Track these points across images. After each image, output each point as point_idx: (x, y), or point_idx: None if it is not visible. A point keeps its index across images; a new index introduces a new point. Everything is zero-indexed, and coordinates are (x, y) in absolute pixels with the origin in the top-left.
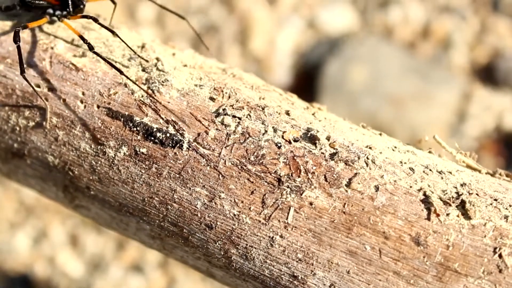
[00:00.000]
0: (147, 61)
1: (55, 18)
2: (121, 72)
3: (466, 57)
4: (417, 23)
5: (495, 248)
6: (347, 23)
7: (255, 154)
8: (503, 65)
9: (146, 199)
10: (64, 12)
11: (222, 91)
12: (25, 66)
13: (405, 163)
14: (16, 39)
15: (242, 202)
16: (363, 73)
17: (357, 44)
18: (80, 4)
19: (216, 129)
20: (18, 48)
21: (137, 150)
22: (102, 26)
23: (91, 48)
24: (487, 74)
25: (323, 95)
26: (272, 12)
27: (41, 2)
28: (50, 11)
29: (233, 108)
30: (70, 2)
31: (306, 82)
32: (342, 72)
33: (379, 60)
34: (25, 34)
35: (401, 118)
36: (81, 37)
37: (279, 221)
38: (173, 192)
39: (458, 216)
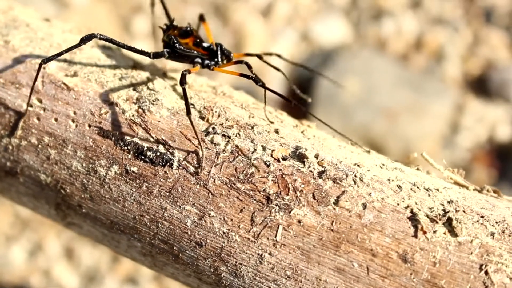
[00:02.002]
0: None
1: (205, 67)
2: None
3: (459, 69)
4: (410, 35)
5: (481, 265)
6: (341, 35)
7: (244, 172)
8: (495, 76)
9: (137, 217)
10: (213, 62)
11: (212, 110)
12: (17, 85)
13: (392, 180)
14: (183, 81)
15: (232, 220)
16: (356, 85)
17: (350, 56)
18: (228, 55)
19: (206, 147)
20: (184, 90)
21: (128, 168)
22: (254, 77)
23: (257, 81)
24: (480, 85)
25: (316, 107)
26: (266, 25)
27: (192, 51)
28: (199, 60)
29: (222, 127)
30: (219, 54)
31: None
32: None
33: (372, 73)
34: (17, 54)
35: (394, 130)
36: (243, 75)
37: (268, 238)
38: (163, 210)
39: (445, 233)
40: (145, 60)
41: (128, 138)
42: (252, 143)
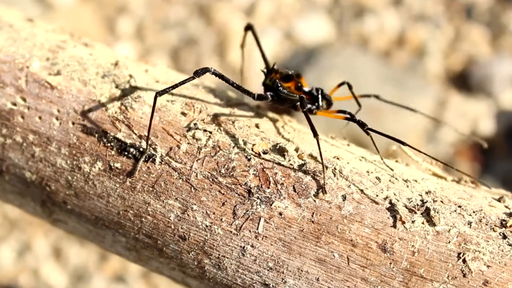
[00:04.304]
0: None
1: (306, 111)
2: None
3: (441, 65)
4: (392, 32)
5: (459, 254)
6: (324, 33)
7: (226, 166)
8: (477, 72)
9: (121, 212)
10: (314, 106)
11: (194, 106)
12: (1, 84)
13: (371, 172)
14: (304, 105)
15: (214, 213)
16: (339, 82)
17: (333, 54)
18: (329, 99)
19: (188, 143)
20: (306, 113)
21: (112, 165)
22: (360, 121)
23: (363, 125)
24: (462, 81)
25: None
26: None
27: (294, 95)
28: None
29: (204, 122)
30: (320, 98)
31: None
32: (319, 82)
33: (355, 70)
34: (1, 54)
35: (378, 127)
36: (348, 119)
37: (250, 231)
38: (147, 205)
39: (423, 223)
40: (128, 58)
41: (111, 134)
42: (233, 138)
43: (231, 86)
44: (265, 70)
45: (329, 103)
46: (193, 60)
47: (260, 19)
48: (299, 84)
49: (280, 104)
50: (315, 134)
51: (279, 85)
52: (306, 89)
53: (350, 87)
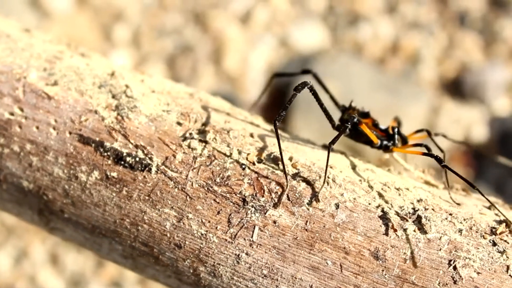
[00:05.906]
0: None
1: (381, 147)
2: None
3: (434, 72)
4: (387, 40)
5: (450, 261)
6: (318, 40)
7: (221, 175)
8: (470, 79)
9: (117, 221)
10: (390, 143)
11: (189, 116)
12: None
13: (364, 181)
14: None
15: (209, 222)
16: (334, 89)
17: (328, 61)
18: (405, 137)
19: (183, 152)
20: (343, 130)
21: (108, 174)
22: (438, 157)
23: (441, 161)
24: (455, 88)
25: (295, 112)
26: (245, 31)
27: (371, 132)
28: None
29: (199, 132)
30: (396, 136)
31: (279, 100)
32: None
33: (350, 77)
34: None
35: None
36: (426, 154)
37: (244, 239)
38: (143, 213)
39: (414, 230)
40: (124, 67)
41: (107, 144)
42: (228, 147)
43: (320, 107)
44: (342, 108)
45: (404, 141)
46: (189, 67)
47: (255, 27)
48: (376, 122)
49: (355, 139)
50: (331, 144)
51: (358, 121)
52: (382, 127)
53: (429, 134)
